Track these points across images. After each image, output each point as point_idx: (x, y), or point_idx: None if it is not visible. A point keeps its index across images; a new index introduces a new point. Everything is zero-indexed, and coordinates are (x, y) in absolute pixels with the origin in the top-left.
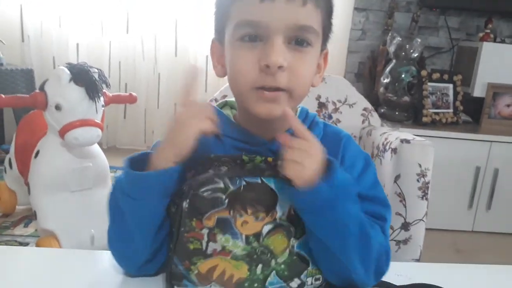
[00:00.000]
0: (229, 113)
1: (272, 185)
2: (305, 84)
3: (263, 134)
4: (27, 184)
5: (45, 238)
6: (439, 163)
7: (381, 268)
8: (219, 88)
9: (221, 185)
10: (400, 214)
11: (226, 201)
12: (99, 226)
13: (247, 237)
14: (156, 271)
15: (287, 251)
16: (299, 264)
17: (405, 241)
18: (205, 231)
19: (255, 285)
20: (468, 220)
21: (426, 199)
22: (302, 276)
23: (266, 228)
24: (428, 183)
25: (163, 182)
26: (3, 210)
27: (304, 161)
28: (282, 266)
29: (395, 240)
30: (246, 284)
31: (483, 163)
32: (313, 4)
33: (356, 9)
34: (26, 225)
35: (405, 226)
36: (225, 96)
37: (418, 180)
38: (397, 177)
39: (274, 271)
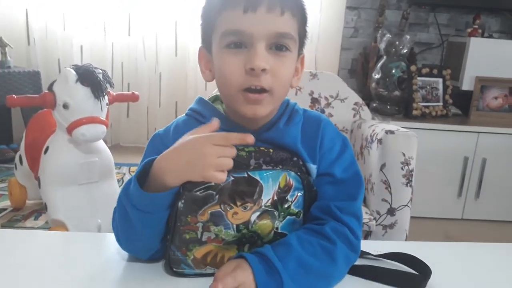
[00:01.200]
0: (220, 107)
1: (257, 177)
2: (285, 85)
3: (249, 125)
4: (38, 178)
5: (56, 228)
6: (429, 154)
7: (351, 262)
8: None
9: (212, 183)
10: (386, 200)
11: (217, 196)
12: (105, 216)
13: (237, 226)
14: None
15: (272, 232)
16: None
17: (391, 226)
18: (199, 224)
19: None
20: (458, 209)
21: (411, 186)
22: None
23: (254, 216)
24: (412, 171)
25: (170, 199)
26: (14, 204)
27: None
28: (267, 244)
29: (381, 225)
30: None
31: (471, 153)
32: (290, 14)
33: (348, 7)
34: (36, 218)
35: (391, 211)
36: None
37: (402, 168)
38: (382, 166)
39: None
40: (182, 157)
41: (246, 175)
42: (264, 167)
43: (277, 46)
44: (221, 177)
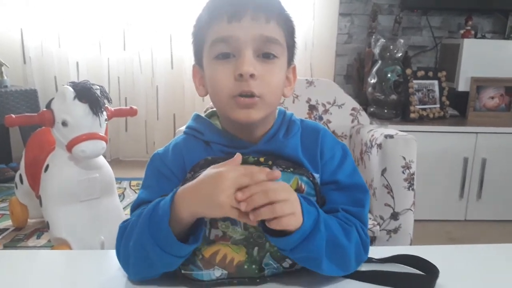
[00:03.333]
0: (217, 122)
1: None
2: (276, 91)
3: (247, 138)
4: (39, 197)
5: (58, 247)
6: (429, 156)
7: (361, 259)
8: None
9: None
10: (388, 205)
11: None
12: (108, 232)
13: (245, 223)
14: None
15: None
16: None
17: (395, 230)
18: (207, 220)
19: (253, 266)
20: (460, 210)
21: (413, 189)
22: None
23: None
24: (413, 174)
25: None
26: (15, 223)
27: (294, 209)
28: (275, 248)
29: (385, 230)
30: (245, 266)
31: (471, 154)
32: (275, 23)
33: (341, 14)
34: (38, 237)
35: (394, 216)
36: None
37: (403, 172)
38: (383, 171)
39: (268, 253)
40: (200, 190)
41: None
42: (274, 168)
43: (265, 54)
44: (238, 215)
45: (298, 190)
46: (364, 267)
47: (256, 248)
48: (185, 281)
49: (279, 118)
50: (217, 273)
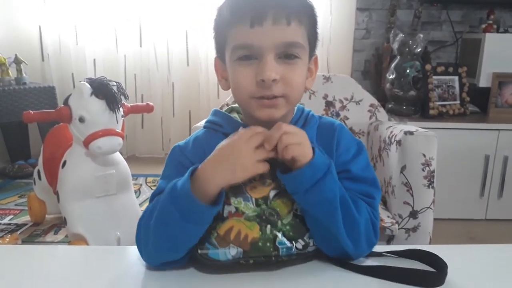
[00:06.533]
0: (236, 116)
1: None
2: (298, 90)
3: None
4: (56, 193)
5: (75, 242)
6: (449, 154)
7: (371, 240)
8: (229, 94)
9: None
10: (408, 203)
11: None
12: (124, 228)
13: (256, 200)
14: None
15: (291, 213)
16: (302, 227)
17: (414, 229)
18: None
19: (268, 244)
20: (481, 209)
21: (433, 187)
22: (305, 238)
23: (273, 193)
24: (433, 172)
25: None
26: (34, 219)
27: (302, 141)
28: (287, 227)
29: (404, 228)
30: (260, 244)
31: (492, 151)
32: (296, 23)
33: (358, 9)
34: (56, 232)
35: (413, 214)
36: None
37: (423, 170)
38: (403, 168)
39: (281, 232)
40: (222, 161)
41: None
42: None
43: (286, 55)
44: (264, 167)
45: None
46: (373, 262)
47: (268, 226)
48: (202, 263)
49: (298, 113)
50: (232, 251)
